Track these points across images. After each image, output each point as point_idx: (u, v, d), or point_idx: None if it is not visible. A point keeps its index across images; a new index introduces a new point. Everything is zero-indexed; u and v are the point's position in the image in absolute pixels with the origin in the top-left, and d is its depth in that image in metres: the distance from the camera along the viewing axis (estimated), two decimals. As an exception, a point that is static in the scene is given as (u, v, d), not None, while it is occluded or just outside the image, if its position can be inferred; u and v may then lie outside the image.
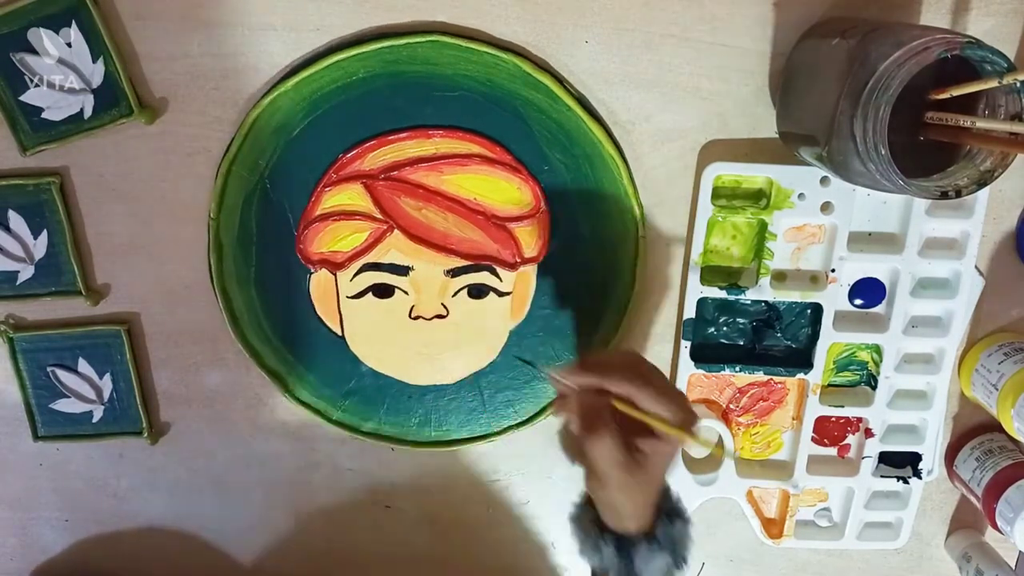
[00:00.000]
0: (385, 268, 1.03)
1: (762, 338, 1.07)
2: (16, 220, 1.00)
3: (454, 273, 1.03)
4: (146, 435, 1.08)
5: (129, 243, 1.03)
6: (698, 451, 1.09)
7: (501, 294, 1.04)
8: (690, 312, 1.04)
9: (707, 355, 1.08)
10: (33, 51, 0.94)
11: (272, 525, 1.15)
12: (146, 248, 1.03)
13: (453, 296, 1.04)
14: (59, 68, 0.95)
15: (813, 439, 1.10)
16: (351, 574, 1.14)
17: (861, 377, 1.10)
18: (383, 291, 1.04)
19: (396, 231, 1.01)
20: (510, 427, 1.10)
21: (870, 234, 1.03)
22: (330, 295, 1.04)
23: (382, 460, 1.11)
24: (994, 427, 1.09)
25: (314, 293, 1.04)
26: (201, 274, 1.02)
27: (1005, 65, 0.74)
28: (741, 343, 1.08)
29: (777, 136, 0.97)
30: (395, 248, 1.02)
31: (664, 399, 0.83)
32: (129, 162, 0.99)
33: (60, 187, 0.99)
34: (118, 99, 0.96)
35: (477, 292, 1.04)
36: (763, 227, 1.01)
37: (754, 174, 1.00)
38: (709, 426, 1.10)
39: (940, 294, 1.05)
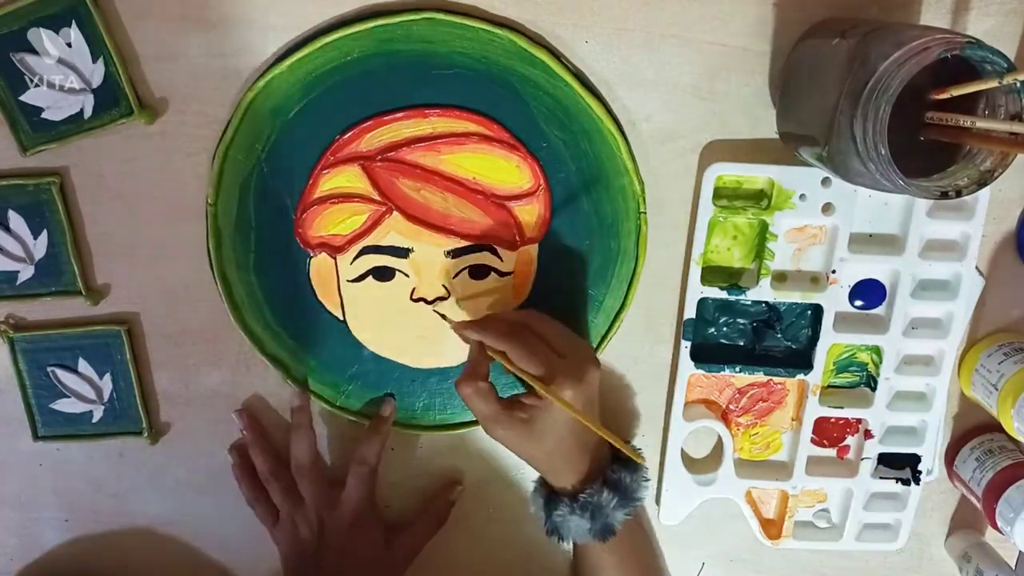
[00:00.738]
0: (385, 251, 1.02)
1: (762, 339, 1.08)
2: (16, 220, 1.00)
3: (454, 254, 1.02)
4: (146, 435, 1.08)
5: (129, 243, 1.02)
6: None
7: (502, 274, 1.04)
8: (690, 312, 1.04)
9: (707, 355, 1.08)
10: (33, 51, 0.94)
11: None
12: (146, 248, 1.03)
13: (454, 277, 1.04)
14: (59, 68, 0.95)
15: (812, 440, 1.10)
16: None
17: (861, 378, 1.10)
18: (383, 274, 1.03)
19: (395, 213, 1.01)
20: None
21: (871, 235, 1.03)
22: (330, 279, 1.04)
23: (382, 460, 1.10)
24: (994, 427, 1.09)
25: (314, 277, 1.04)
26: (201, 274, 1.02)
27: (1005, 65, 0.74)
28: (741, 344, 1.08)
29: (777, 136, 0.97)
30: (394, 230, 1.01)
31: (533, 356, 0.91)
32: (129, 162, 0.99)
33: (60, 187, 0.99)
34: (118, 99, 0.96)
35: (478, 273, 1.04)
36: (764, 228, 1.01)
37: (755, 175, 1.00)
38: (708, 426, 1.10)
39: (940, 296, 1.05)
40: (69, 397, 1.07)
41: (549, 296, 1.05)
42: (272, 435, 1.10)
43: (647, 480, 1.04)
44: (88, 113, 0.96)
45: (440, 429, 1.11)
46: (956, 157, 0.80)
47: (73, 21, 0.93)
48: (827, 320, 1.05)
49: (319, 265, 1.03)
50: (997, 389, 1.01)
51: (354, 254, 1.02)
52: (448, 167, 0.99)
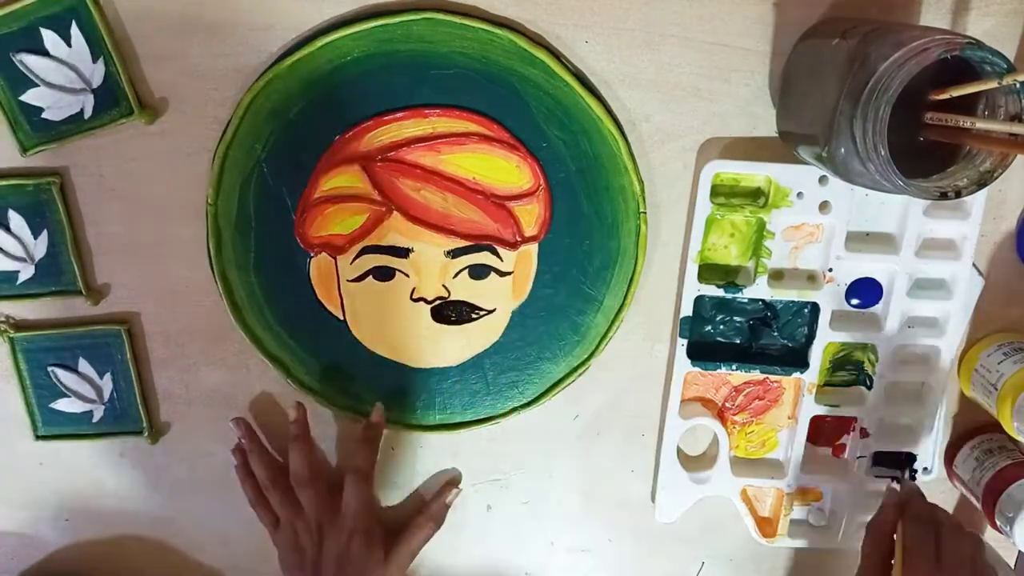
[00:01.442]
0: (385, 250, 1.02)
1: (759, 337, 1.08)
2: (16, 220, 1.00)
3: (455, 254, 1.02)
4: (146, 435, 1.08)
5: (129, 243, 1.02)
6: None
7: (502, 274, 1.04)
8: (687, 310, 1.04)
9: (704, 353, 1.08)
10: (33, 51, 0.94)
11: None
12: (146, 248, 1.03)
13: (454, 277, 1.04)
14: (59, 68, 0.95)
15: (808, 438, 1.10)
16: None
17: (857, 377, 1.10)
18: (384, 274, 1.03)
19: (395, 213, 1.01)
20: (515, 408, 1.09)
21: (868, 234, 1.04)
22: (331, 279, 1.03)
23: (382, 461, 1.10)
24: (994, 427, 1.09)
25: (314, 277, 1.04)
26: (201, 274, 1.02)
27: (1005, 66, 0.74)
28: (738, 341, 1.08)
29: (777, 135, 0.97)
30: (394, 230, 1.01)
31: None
32: (129, 162, 0.99)
33: (60, 187, 0.99)
34: (118, 99, 0.96)
35: (478, 273, 1.04)
36: (761, 226, 1.02)
37: (753, 172, 1.00)
38: (704, 423, 1.10)
39: (937, 295, 1.05)
40: (69, 397, 1.07)
41: (549, 296, 1.05)
42: (275, 436, 1.10)
43: None
44: (88, 113, 0.96)
45: (440, 429, 1.10)
46: (956, 157, 0.80)
47: (73, 21, 0.93)
48: (824, 318, 1.05)
49: (319, 265, 1.03)
50: (997, 389, 1.01)
51: (354, 254, 1.02)
52: (448, 167, 0.99)
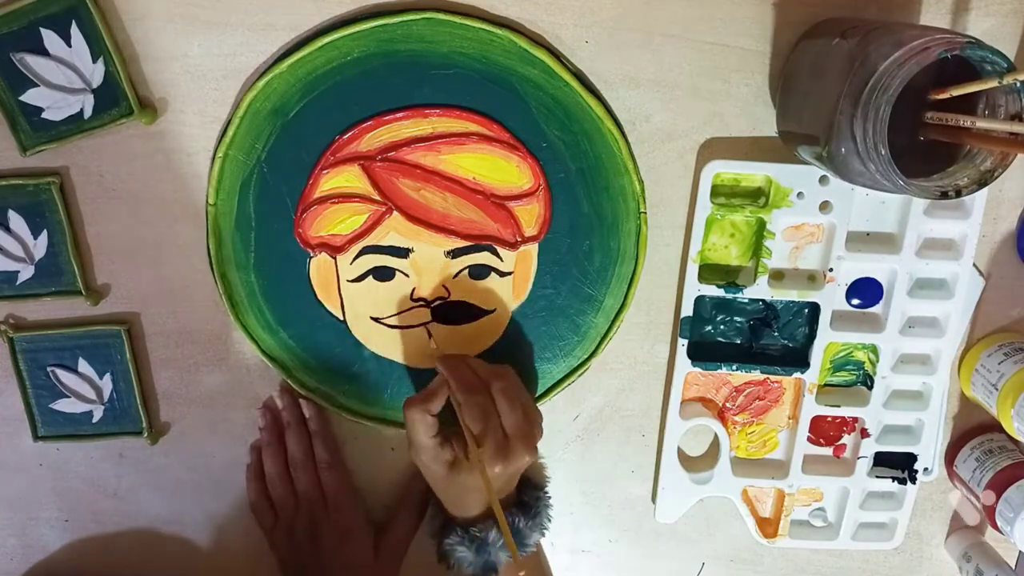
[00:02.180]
0: (385, 250, 1.02)
1: (759, 337, 1.08)
2: (16, 220, 1.00)
3: (454, 254, 1.02)
4: (146, 435, 1.08)
5: (129, 243, 1.02)
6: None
7: (502, 274, 1.04)
8: (688, 310, 1.04)
9: (704, 353, 1.08)
10: (33, 51, 0.94)
11: (271, 525, 1.14)
12: (146, 248, 1.03)
13: (454, 277, 1.04)
14: (59, 68, 0.95)
15: (809, 439, 1.11)
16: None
17: (857, 377, 1.10)
18: (383, 274, 1.03)
19: (395, 213, 1.01)
20: None
21: (868, 234, 1.04)
22: (330, 279, 1.03)
23: (382, 460, 1.10)
24: (994, 427, 1.10)
25: (314, 277, 1.04)
26: (201, 274, 1.02)
27: (1005, 65, 0.74)
28: (738, 342, 1.08)
29: (777, 135, 0.97)
30: (394, 230, 1.01)
31: (481, 422, 0.96)
32: (129, 162, 0.99)
33: (60, 187, 0.99)
34: (118, 99, 0.96)
35: (478, 273, 1.04)
36: (761, 226, 1.02)
37: (753, 172, 1.00)
38: (705, 424, 1.10)
39: (937, 295, 1.05)
40: (69, 397, 1.07)
41: (549, 296, 1.05)
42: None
43: (544, 529, 1.07)
44: (88, 113, 0.96)
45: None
46: (956, 157, 0.80)
47: (73, 21, 0.93)
48: (824, 318, 1.05)
49: (319, 265, 1.03)
50: (997, 389, 1.01)
51: (354, 254, 1.02)
52: (448, 167, 0.99)
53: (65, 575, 1.16)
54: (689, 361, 1.07)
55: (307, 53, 0.94)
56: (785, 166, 0.98)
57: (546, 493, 1.11)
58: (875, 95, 0.73)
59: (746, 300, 1.05)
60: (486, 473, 0.94)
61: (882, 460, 1.11)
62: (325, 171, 0.99)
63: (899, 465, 1.11)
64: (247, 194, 1.00)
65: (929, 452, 1.10)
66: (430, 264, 1.03)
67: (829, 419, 1.11)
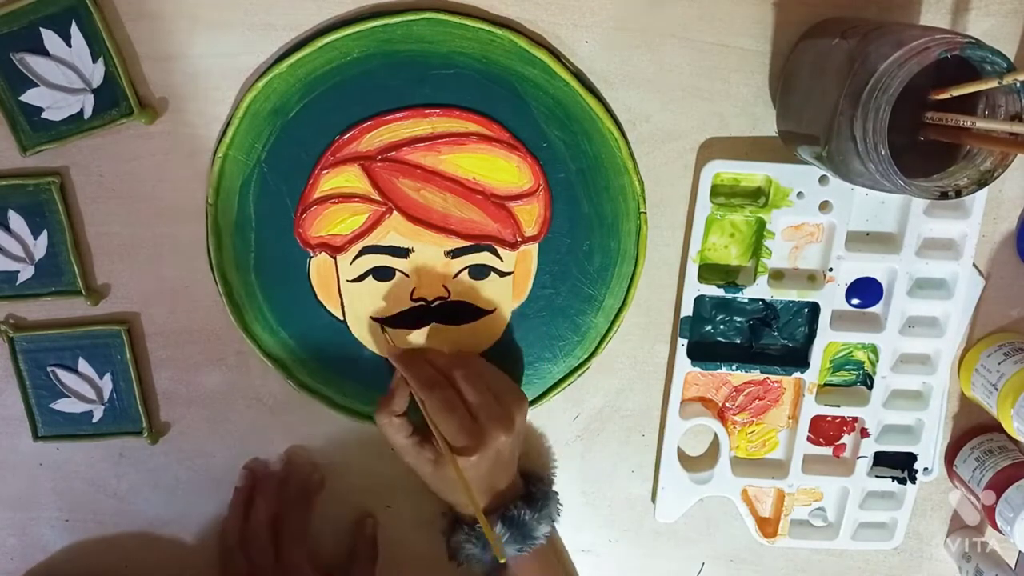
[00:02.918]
0: (385, 250, 1.02)
1: (759, 337, 1.08)
2: (16, 220, 1.00)
3: (454, 254, 1.02)
4: (146, 435, 1.08)
5: (129, 243, 1.02)
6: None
7: (502, 274, 1.04)
8: (687, 310, 1.04)
9: (704, 353, 1.08)
10: (33, 51, 0.94)
11: (271, 525, 1.14)
12: (146, 248, 1.03)
13: (454, 277, 1.03)
14: (59, 68, 0.95)
15: (809, 438, 1.11)
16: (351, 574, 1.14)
17: (857, 377, 1.10)
18: (383, 274, 1.03)
19: (395, 213, 1.01)
20: None
21: (868, 234, 1.04)
22: (330, 279, 1.03)
23: (382, 460, 1.10)
24: (994, 427, 1.10)
25: (314, 277, 1.03)
26: (201, 274, 1.02)
27: (1005, 65, 0.74)
28: (738, 341, 1.08)
29: (777, 135, 0.97)
30: (394, 230, 1.01)
31: (445, 414, 0.95)
32: (129, 162, 0.99)
33: (60, 187, 0.99)
34: (118, 99, 0.96)
35: (478, 273, 1.04)
36: (761, 225, 1.02)
37: (753, 172, 1.00)
38: (704, 424, 1.10)
39: (937, 295, 1.05)
40: (69, 397, 1.07)
41: (549, 296, 1.05)
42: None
43: (552, 520, 1.07)
44: (88, 113, 0.96)
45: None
46: (956, 157, 0.80)
47: (73, 21, 0.93)
48: (824, 318, 1.05)
49: (319, 265, 1.03)
50: (997, 389, 1.01)
51: (354, 254, 1.02)
52: (448, 167, 0.99)
53: (65, 575, 1.16)
54: (689, 361, 1.07)
55: (307, 53, 0.94)
56: (785, 166, 0.98)
57: (552, 483, 1.11)
58: (875, 95, 0.74)
59: (746, 300, 1.05)
60: (459, 468, 0.94)
61: (882, 460, 1.11)
62: (325, 171, 0.99)
63: (899, 465, 1.11)
64: (247, 194, 1.00)
65: (929, 452, 1.10)
66: (430, 264, 1.03)
67: (829, 419, 1.11)
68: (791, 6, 0.94)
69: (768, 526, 1.15)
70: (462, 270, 1.03)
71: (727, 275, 1.05)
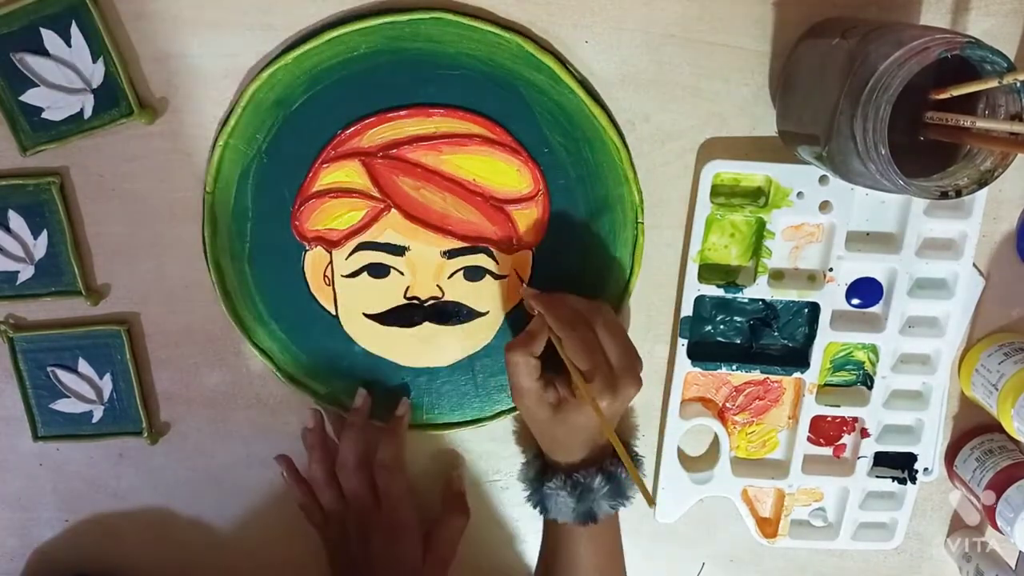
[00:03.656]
0: (381, 247, 1.02)
1: (759, 337, 1.08)
2: (16, 220, 1.00)
3: (451, 254, 1.02)
4: (146, 435, 1.08)
5: (129, 243, 1.03)
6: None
7: (497, 277, 1.04)
8: (687, 310, 1.04)
9: (704, 353, 1.08)
10: (33, 51, 0.94)
11: (271, 525, 1.15)
12: (146, 248, 1.03)
13: (449, 278, 1.04)
14: (59, 68, 0.95)
15: (809, 439, 1.11)
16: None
17: (857, 377, 1.10)
18: (378, 271, 1.03)
19: (393, 210, 1.01)
20: (502, 412, 1.10)
21: (868, 234, 1.04)
22: (325, 273, 1.04)
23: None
24: (994, 427, 1.09)
25: (308, 271, 1.04)
26: (201, 274, 1.02)
27: (1005, 65, 0.74)
28: (738, 342, 1.08)
29: (777, 135, 0.97)
30: (391, 227, 1.01)
31: (586, 354, 0.93)
32: (129, 162, 0.99)
33: (60, 187, 0.99)
34: (118, 99, 0.96)
35: (473, 274, 1.04)
36: (761, 225, 1.02)
37: (753, 172, 1.00)
38: (705, 424, 1.10)
39: (937, 295, 1.05)
40: (69, 397, 1.07)
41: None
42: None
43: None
44: (88, 113, 0.96)
45: (426, 429, 1.11)
46: (956, 157, 0.80)
47: (73, 21, 0.93)
48: (824, 318, 1.05)
49: (314, 259, 1.03)
50: (997, 389, 1.01)
51: (350, 249, 1.02)
52: (449, 167, 0.99)
53: (65, 575, 1.16)
54: (689, 361, 1.07)
55: (314, 46, 0.94)
56: (785, 166, 0.98)
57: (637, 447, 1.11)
58: (875, 95, 0.74)
59: (746, 300, 1.05)
60: (598, 406, 0.91)
61: (882, 460, 1.11)
62: (325, 165, 0.99)
63: (899, 465, 1.11)
64: (245, 184, 1.00)
65: (929, 452, 1.10)
66: (425, 263, 1.03)
67: (829, 419, 1.11)
68: (791, 6, 0.94)
69: (768, 526, 1.15)
70: (457, 271, 1.03)
71: (727, 275, 1.05)
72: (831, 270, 1.03)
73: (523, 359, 0.95)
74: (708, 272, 1.04)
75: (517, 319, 1.06)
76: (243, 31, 0.95)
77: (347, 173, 0.99)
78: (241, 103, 0.96)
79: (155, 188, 1.00)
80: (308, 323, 1.06)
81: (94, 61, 0.94)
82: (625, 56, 0.97)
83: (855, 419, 1.10)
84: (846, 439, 1.12)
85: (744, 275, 1.05)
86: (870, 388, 1.08)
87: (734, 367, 1.07)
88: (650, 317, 1.07)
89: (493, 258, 1.03)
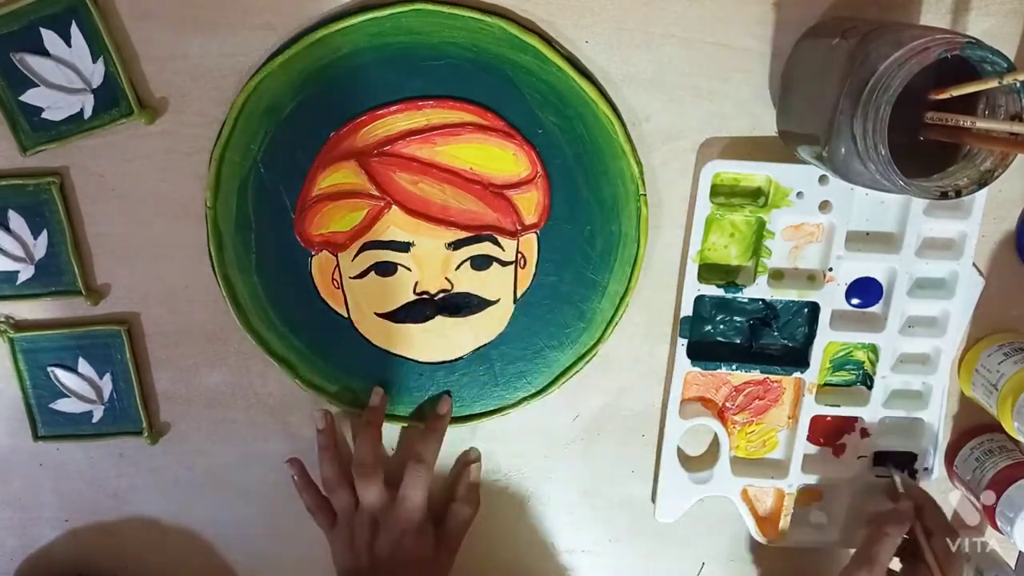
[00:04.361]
0: (386, 245, 1.02)
1: (759, 336, 1.08)
2: (16, 220, 1.00)
3: (455, 245, 1.02)
4: (146, 435, 1.08)
5: (129, 243, 1.02)
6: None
7: (504, 263, 1.04)
8: (687, 310, 1.04)
9: (704, 353, 1.08)
10: (33, 51, 0.94)
11: (272, 525, 1.15)
12: (146, 248, 1.03)
13: (456, 269, 1.04)
14: (59, 68, 0.95)
15: (808, 438, 1.10)
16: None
17: (857, 377, 1.10)
18: (385, 269, 1.03)
19: (394, 207, 1.00)
20: (524, 399, 1.09)
21: (868, 233, 1.03)
22: (333, 277, 1.04)
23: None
24: (994, 427, 1.09)
25: (317, 276, 1.03)
26: (201, 273, 1.02)
27: (1005, 65, 0.74)
28: (738, 341, 1.08)
29: (777, 135, 0.97)
30: (394, 224, 1.01)
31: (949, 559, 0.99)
32: (129, 162, 0.99)
33: (60, 187, 0.99)
34: (118, 99, 0.96)
35: (480, 263, 1.04)
36: (761, 225, 1.02)
37: (753, 172, 1.00)
38: (704, 423, 1.10)
39: (937, 294, 1.05)
40: (69, 397, 1.07)
41: (552, 284, 1.05)
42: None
43: None
44: (88, 113, 0.96)
45: (452, 423, 1.10)
46: (956, 157, 0.80)
47: (73, 21, 0.93)
48: (824, 318, 1.05)
49: (321, 263, 1.03)
50: (997, 389, 1.01)
51: (355, 250, 1.02)
52: (445, 158, 0.99)
53: (64, 575, 1.16)
54: (689, 361, 1.07)
55: (297, 51, 0.94)
56: (785, 166, 0.98)
57: None
58: (875, 95, 0.74)
59: (746, 300, 1.05)
60: None
61: (882, 460, 1.11)
62: (322, 169, 0.99)
63: (899, 465, 1.11)
64: (245, 195, 1.00)
65: (929, 452, 1.10)
66: (431, 257, 1.03)
67: (829, 419, 1.11)
68: (791, 6, 0.94)
69: (768, 526, 1.15)
70: (464, 261, 1.03)
71: (727, 275, 1.05)
72: (831, 270, 1.03)
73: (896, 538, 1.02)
74: (708, 272, 1.04)
75: (529, 305, 1.06)
76: (243, 31, 0.95)
77: (344, 175, 0.99)
78: (231, 115, 0.96)
79: (155, 188, 1.00)
80: (321, 328, 1.06)
81: (94, 61, 0.94)
82: (625, 56, 0.97)
83: (855, 419, 1.10)
84: (846, 439, 1.12)
85: (744, 275, 1.05)
86: (870, 388, 1.08)
87: (734, 367, 1.07)
88: (650, 317, 1.07)
89: (499, 245, 1.03)
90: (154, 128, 0.98)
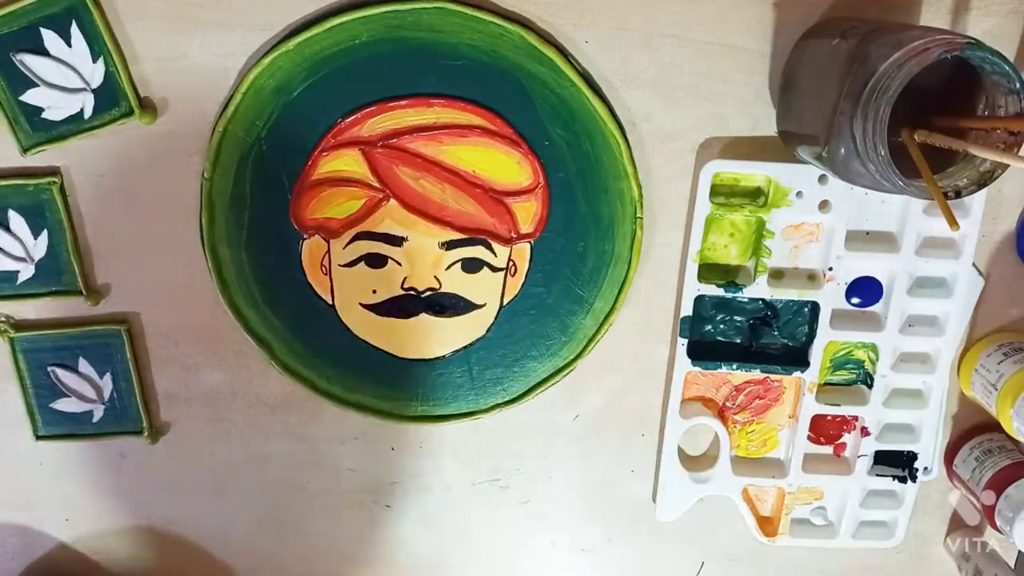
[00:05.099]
0: (379, 237, 1.02)
1: (759, 336, 1.08)
2: (16, 220, 1.00)
3: (449, 246, 1.02)
4: (146, 435, 1.08)
5: (129, 243, 1.02)
6: None
7: (495, 269, 1.04)
8: (687, 310, 1.04)
9: (704, 353, 1.08)
10: (33, 51, 0.94)
11: (272, 525, 1.15)
12: (146, 248, 1.02)
13: (447, 269, 1.04)
14: (59, 68, 0.95)
15: (809, 437, 1.11)
16: (351, 574, 1.14)
17: (857, 376, 1.10)
18: (376, 261, 1.03)
19: (392, 200, 1.00)
20: (497, 405, 1.09)
21: (868, 233, 1.03)
22: (322, 262, 1.04)
23: (382, 460, 1.11)
24: (994, 427, 1.09)
25: (306, 259, 1.03)
26: (201, 273, 1.02)
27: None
28: (738, 341, 1.08)
29: (777, 135, 0.97)
30: (390, 218, 1.01)
31: None
32: (129, 162, 0.99)
33: (60, 187, 0.99)
34: (118, 99, 0.96)
35: (471, 266, 1.03)
36: (761, 225, 1.02)
37: (753, 172, 1.00)
38: (705, 423, 1.10)
39: (937, 294, 1.05)
40: (69, 397, 1.07)
41: (539, 295, 1.05)
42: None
43: None
44: (88, 113, 0.96)
45: (422, 421, 1.10)
46: (956, 157, 0.80)
47: (73, 21, 0.93)
48: (824, 317, 1.05)
49: (311, 248, 1.03)
50: (997, 389, 1.01)
51: (348, 239, 1.02)
52: (449, 158, 0.99)
53: (65, 575, 1.16)
54: (689, 360, 1.06)
55: (315, 33, 0.93)
56: (785, 166, 0.98)
57: None
58: (875, 95, 0.73)
59: (746, 299, 1.05)
60: None
61: (882, 459, 1.11)
62: (325, 153, 0.99)
63: (899, 464, 1.11)
64: (244, 170, 0.99)
65: (929, 451, 1.10)
66: (423, 254, 1.03)
67: (829, 418, 1.11)
68: (791, 6, 0.94)
69: (768, 525, 1.15)
70: (455, 262, 1.03)
71: (727, 275, 1.05)
72: (831, 269, 1.03)
73: None
74: (708, 272, 1.04)
75: (514, 312, 1.06)
76: (243, 31, 0.95)
77: (346, 162, 0.99)
78: (241, 89, 0.95)
79: (155, 188, 1.00)
80: (304, 312, 1.05)
81: (94, 61, 0.94)
82: (625, 56, 0.96)
83: (855, 418, 1.10)
84: (846, 438, 1.12)
85: (744, 275, 1.05)
86: (870, 387, 1.08)
87: (734, 366, 1.07)
88: (650, 317, 1.07)
89: (491, 250, 1.03)
90: (154, 128, 0.98)
